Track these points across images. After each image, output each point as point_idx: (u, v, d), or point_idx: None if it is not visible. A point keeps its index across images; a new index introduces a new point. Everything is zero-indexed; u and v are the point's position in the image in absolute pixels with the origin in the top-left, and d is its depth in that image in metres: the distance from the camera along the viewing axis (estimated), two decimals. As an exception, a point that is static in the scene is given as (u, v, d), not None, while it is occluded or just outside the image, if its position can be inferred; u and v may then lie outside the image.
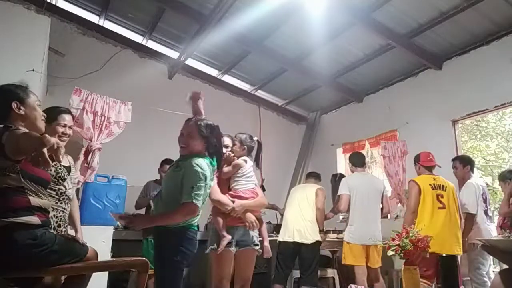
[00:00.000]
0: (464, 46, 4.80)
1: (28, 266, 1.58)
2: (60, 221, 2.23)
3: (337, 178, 4.94)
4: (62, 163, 2.32)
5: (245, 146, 2.92)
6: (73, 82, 4.45)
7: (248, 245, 2.72)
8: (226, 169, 2.86)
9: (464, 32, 4.59)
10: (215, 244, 2.70)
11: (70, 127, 2.45)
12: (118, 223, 3.94)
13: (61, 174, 2.27)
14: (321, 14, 4.45)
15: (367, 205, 3.99)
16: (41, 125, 1.89)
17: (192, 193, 2.21)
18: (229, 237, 2.67)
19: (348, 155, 6.27)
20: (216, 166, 2.49)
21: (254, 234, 2.79)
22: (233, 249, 2.69)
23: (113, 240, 3.51)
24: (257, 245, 2.77)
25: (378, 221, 4.00)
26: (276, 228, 5.04)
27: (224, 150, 2.90)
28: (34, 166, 1.63)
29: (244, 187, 2.85)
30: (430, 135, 5.09)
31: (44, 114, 1.93)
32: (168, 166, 3.14)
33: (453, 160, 4.27)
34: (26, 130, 1.67)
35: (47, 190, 1.97)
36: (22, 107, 1.80)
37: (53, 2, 5.28)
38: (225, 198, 2.75)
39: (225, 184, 2.87)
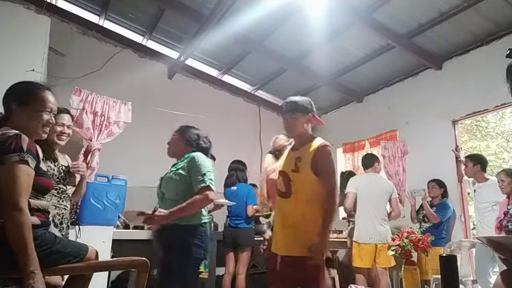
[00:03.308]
0: (464, 46, 4.79)
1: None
2: (62, 218, 2.33)
3: (344, 176, 4.94)
4: (62, 163, 2.38)
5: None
6: (73, 82, 4.45)
7: None
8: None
9: (464, 32, 4.58)
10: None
11: (69, 127, 2.46)
12: (118, 223, 3.95)
13: (63, 174, 2.35)
14: (321, 14, 4.45)
15: (372, 204, 4.03)
16: (39, 130, 1.78)
17: (206, 178, 2.32)
18: None
19: (348, 155, 6.31)
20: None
21: None
22: None
23: (113, 240, 3.51)
24: None
25: (385, 221, 4.04)
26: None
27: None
28: None
29: None
30: (430, 135, 5.09)
31: (52, 121, 1.85)
32: None
33: (465, 157, 4.38)
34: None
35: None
36: (20, 110, 1.74)
37: (53, 2, 5.27)
38: None
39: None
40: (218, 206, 4.03)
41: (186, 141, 2.59)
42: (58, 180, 2.29)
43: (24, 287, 1.50)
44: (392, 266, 4.01)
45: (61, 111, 2.46)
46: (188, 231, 2.32)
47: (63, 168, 2.37)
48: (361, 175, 4.33)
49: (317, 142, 2.39)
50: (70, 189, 2.45)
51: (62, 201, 2.33)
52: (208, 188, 2.30)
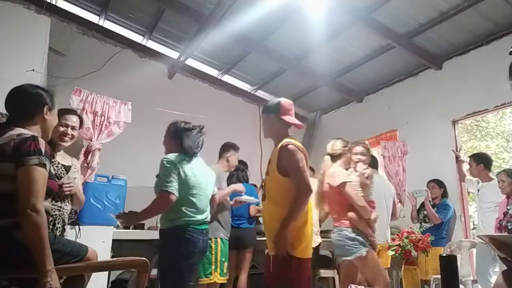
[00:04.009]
0: (464, 46, 4.79)
1: (28, 266, 1.58)
2: (54, 219, 2.18)
3: None
4: (61, 162, 2.32)
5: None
6: (73, 82, 4.45)
7: None
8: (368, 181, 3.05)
9: (464, 32, 4.58)
10: (367, 248, 2.84)
11: (73, 128, 2.40)
12: (118, 223, 3.95)
13: (57, 172, 2.24)
14: (321, 14, 4.45)
15: (382, 205, 4.05)
16: (51, 133, 1.95)
17: (161, 182, 2.40)
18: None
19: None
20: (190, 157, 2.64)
21: None
22: None
23: (113, 240, 3.51)
24: None
25: (388, 223, 4.07)
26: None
27: (361, 157, 3.17)
28: None
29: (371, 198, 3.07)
30: (430, 135, 5.08)
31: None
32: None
33: (469, 157, 4.43)
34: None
35: None
36: (48, 113, 1.85)
37: (53, 2, 5.27)
38: (368, 207, 2.94)
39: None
40: (240, 203, 4.00)
41: (172, 139, 2.66)
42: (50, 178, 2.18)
43: (40, 285, 1.54)
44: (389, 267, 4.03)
45: (67, 111, 2.45)
46: (163, 235, 2.49)
47: (60, 166, 2.28)
48: (373, 175, 4.34)
49: (282, 142, 2.36)
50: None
51: (56, 201, 2.19)
52: (162, 192, 2.35)
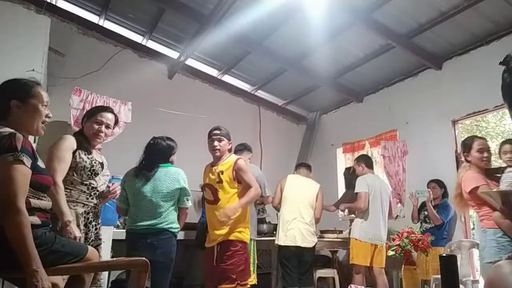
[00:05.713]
0: (464, 46, 4.79)
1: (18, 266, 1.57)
2: (91, 217, 2.27)
3: (350, 172, 4.94)
4: (97, 159, 2.33)
5: None
6: (73, 82, 4.46)
7: None
8: None
9: (464, 32, 4.58)
10: (509, 253, 2.57)
11: (108, 126, 2.40)
12: (118, 223, 3.95)
13: (96, 168, 2.27)
14: (321, 14, 4.45)
15: (380, 205, 4.06)
16: (39, 126, 1.81)
17: None
18: None
19: (348, 155, 6.31)
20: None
21: None
22: None
23: (113, 240, 3.51)
24: None
25: (386, 223, 4.12)
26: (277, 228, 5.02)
27: (510, 155, 3.15)
28: None
29: None
30: (430, 135, 5.08)
31: (49, 115, 1.85)
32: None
33: None
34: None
35: (79, 185, 2.18)
36: (21, 107, 1.75)
37: (53, 2, 5.28)
38: None
39: None
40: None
41: None
42: (89, 173, 2.21)
43: (28, 287, 1.50)
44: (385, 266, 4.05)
45: (103, 109, 2.48)
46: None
47: (97, 163, 2.30)
48: (370, 175, 4.33)
49: (236, 158, 3.13)
50: (103, 186, 2.36)
51: (92, 198, 2.24)
52: None
